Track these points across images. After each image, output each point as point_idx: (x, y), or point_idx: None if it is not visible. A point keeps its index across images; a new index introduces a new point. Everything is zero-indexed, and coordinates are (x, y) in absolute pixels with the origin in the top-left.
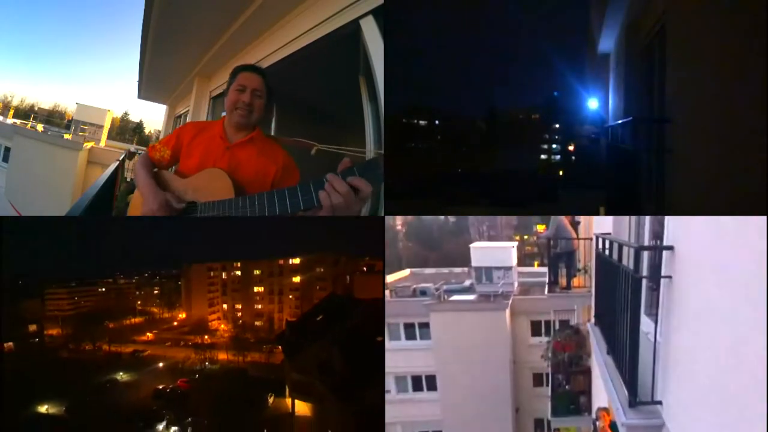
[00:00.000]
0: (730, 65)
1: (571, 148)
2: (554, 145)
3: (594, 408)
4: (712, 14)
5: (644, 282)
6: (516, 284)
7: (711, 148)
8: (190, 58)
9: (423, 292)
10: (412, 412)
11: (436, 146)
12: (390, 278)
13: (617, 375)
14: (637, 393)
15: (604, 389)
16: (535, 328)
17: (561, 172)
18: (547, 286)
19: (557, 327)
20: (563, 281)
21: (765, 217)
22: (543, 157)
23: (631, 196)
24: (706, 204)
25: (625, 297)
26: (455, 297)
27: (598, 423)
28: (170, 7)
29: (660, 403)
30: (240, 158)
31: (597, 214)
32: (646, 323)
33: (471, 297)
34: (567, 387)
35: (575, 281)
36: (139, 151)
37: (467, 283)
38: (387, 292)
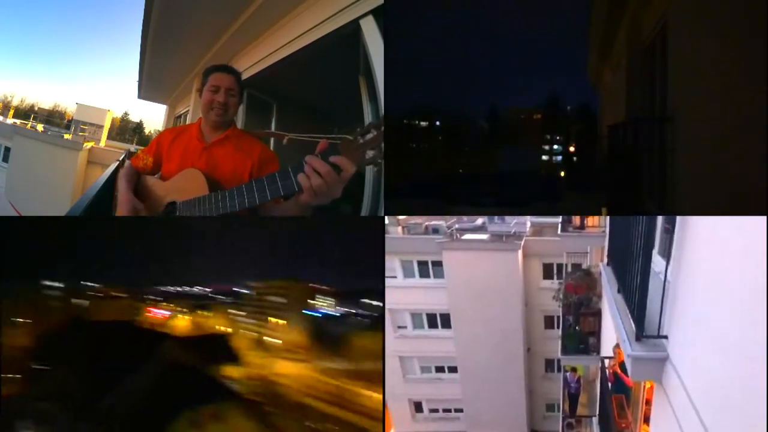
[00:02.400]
0: (731, 65)
1: (572, 148)
2: (555, 146)
3: (602, 348)
4: (713, 14)
5: (659, 224)
6: (528, 224)
7: (712, 147)
8: (190, 58)
9: (435, 230)
10: (427, 348)
11: (437, 147)
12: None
13: (626, 311)
14: (644, 328)
15: (614, 326)
16: (547, 271)
17: (563, 173)
18: (560, 225)
19: (569, 269)
20: (577, 220)
21: (765, 217)
22: (545, 157)
23: (633, 196)
24: (707, 204)
25: (638, 235)
26: (468, 236)
27: (608, 362)
28: (170, 7)
29: (666, 337)
30: (217, 157)
31: (599, 214)
32: (658, 263)
33: (484, 236)
34: (577, 328)
35: (589, 220)
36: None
37: (479, 221)
38: (399, 228)
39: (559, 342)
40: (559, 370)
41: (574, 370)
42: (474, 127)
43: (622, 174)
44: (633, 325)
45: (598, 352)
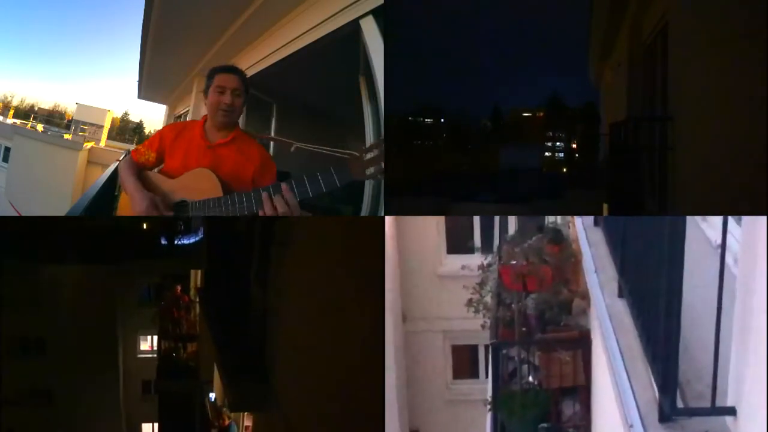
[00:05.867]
0: (731, 64)
1: (574, 146)
2: (558, 143)
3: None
4: (713, 14)
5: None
6: None
7: (713, 146)
8: (191, 58)
9: None
10: None
11: (441, 145)
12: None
13: (645, 366)
14: (684, 395)
15: (613, 388)
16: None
17: (564, 170)
18: None
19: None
20: None
21: (765, 218)
22: (547, 154)
23: (634, 195)
24: (707, 203)
25: (664, 248)
26: None
27: None
28: (170, 6)
29: (732, 412)
30: (221, 157)
31: (600, 212)
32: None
33: None
34: (533, 380)
35: None
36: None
37: None
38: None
39: (488, 414)
40: None
41: None
42: (477, 126)
43: (623, 173)
44: (654, 390)
45: None
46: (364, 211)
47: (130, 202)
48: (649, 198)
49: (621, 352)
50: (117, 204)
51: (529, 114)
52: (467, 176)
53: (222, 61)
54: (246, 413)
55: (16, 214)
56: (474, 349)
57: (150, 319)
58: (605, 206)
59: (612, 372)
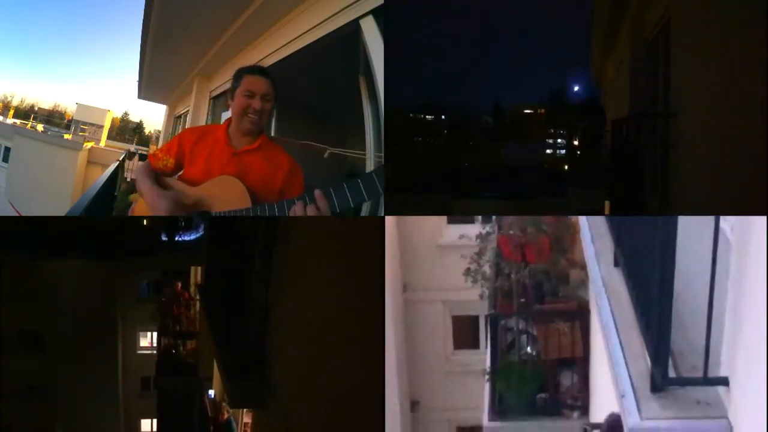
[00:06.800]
0: (734, 61)
1: (576, 143)
2: (560, 140)
3: (594, 400)
4: (716, 9)
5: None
6: None
7: (714, 144)
8: (191, 58)
9: None
10: None
11: (442, 141)
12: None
13: (640, 340)
14: (676, 365)
15: (608, 359)
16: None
17: (566, 167)
18: None
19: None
20: None
21: (765, 217)
22: (549, 151)
23: (636, 193)
24: (708, 202)
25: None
26: None
27: None
28: (170, 6)
29: (725, 383)
30: (247, 165)
31: (602, 210)
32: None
33: None
34: (531, 351)
35: None
36: (140, 152)
37: None
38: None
39: (486, 385)
40: None
41: None
42: (478, 123)
43: (625, 170)
44: (647, 360)
45: (584, 410)
46: (364, 211)
47: (150, 209)
48: (651, 196)
49: (615, 323)
50: (121, 205)
51: (531, 111)
52: (468, 174)
53: (222, 61)
54: (245, 410)
55: (16, 214)
56: (475, 319)
57: (150, 316)
58: (607, 204)
59: (606, 343)
